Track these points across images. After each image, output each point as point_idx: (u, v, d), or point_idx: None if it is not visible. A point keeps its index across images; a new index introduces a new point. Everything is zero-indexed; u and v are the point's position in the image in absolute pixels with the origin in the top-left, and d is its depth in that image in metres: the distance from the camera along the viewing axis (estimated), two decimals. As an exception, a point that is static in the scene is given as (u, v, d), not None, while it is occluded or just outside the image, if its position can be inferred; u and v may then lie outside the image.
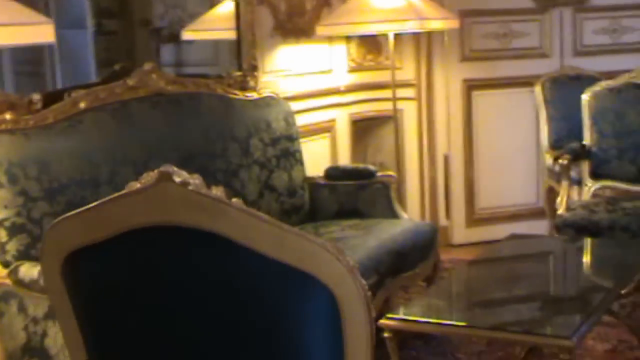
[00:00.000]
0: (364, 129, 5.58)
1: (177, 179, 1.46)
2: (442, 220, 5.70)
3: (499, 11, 5.63)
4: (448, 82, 5.62)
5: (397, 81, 5.19)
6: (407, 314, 3.01)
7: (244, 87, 4.34)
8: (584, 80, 5.32)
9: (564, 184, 4.47)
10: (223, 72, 4.39)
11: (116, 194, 1.52)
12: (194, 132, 3.80)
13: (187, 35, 4.54)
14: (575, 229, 4.21)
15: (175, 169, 1.48)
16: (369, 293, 1.48)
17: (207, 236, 1.48)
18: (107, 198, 1.53)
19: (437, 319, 3.04)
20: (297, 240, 1.48)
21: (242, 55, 4.46)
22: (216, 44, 4.86)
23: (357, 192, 4.37)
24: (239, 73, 4.39)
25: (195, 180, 1.47)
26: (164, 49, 4.70)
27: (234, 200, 1.48)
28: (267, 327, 1.50)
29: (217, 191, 1.48)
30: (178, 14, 4.60)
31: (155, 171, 1.48)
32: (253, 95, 4.34)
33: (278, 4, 4.88)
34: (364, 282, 1.48)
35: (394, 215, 4.35)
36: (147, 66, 3.75)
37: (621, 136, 4.62)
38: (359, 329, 1.49)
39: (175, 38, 4.57)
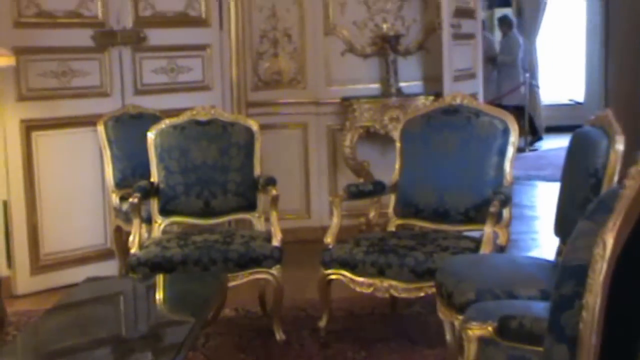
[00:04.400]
0: None
1: None
2: (3, 271, 5.30)
3: (57, 49, 5.46)
4: (4, 123, 5.28)
5: (-54, 122, 4.74)
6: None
7: None
8: (145, 119, 5.40)
9: (135, 222, 4.44)
10: None
11: None
12: None
13: None
14: (149, 266, 4.21)
15: None
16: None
17: None
18: None
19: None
20: None
21: None
22: None
23: None
24: None
25: None
26: None
27: None
28: None
29: None
30: None
31: None
32: None
33: None
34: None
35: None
36: None
37: (187, 172, 4.74)
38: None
39: None
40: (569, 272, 1.67)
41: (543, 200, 8.17)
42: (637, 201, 1.55)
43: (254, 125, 4.90)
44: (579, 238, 1.67)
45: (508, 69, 11.79)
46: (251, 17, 6.42)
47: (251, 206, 4.80)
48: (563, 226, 3.64)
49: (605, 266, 1.55)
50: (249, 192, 4.79)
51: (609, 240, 1.55)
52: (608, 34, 9.35)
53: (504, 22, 11.95)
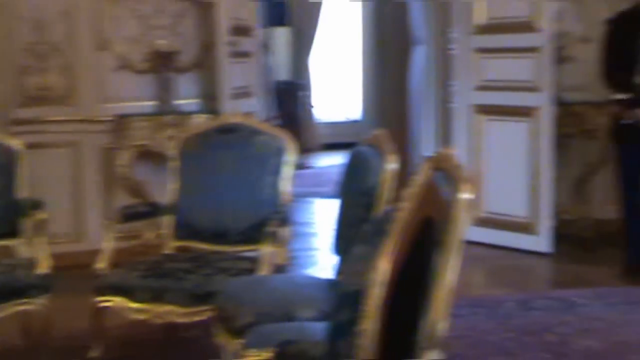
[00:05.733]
0: None
1: None
2: None
3: None
4: None
5: None
6: None
7: None
8: None
9: None
10: None
11: None
12: None
13: None
14: None
15: None
16: None
17: None
18: None
19: None
20: None
21: None
22: None
23: None
24: None
25: None
26: None
27: None
28: None
29: None
30: None
31: None
32: None
33: None
34: None
35: None
36: None
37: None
38: None
39: None
40: (345, 298, 1.62)
41: (321, 217, 8.30)
42: (410, 224, 1.52)
43: (16, 144, 4.56)
44: (355, 263, 1.63)
45: None
46: (13, 29, 6.00)
47: (14, 232, 4.45)
48: (340, 244, 3.66)
49: (381, 291, 1.51)
50: (11, 217, 4.44)
51: (384, 264, 1.51)
52: (382, 55, 9.72)
53: None
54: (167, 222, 4.54)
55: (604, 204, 6.52)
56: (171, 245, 4.49)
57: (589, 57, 6.12)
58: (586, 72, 6.31)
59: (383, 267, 1.50)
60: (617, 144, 5.66)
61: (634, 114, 5.40)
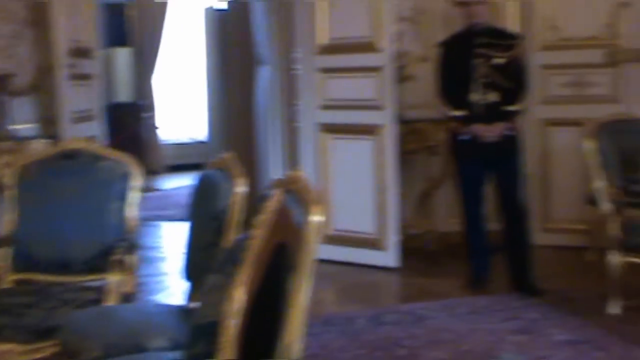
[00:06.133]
0: None
1: None
2: None
3: None
4: None
5: None
6: None
7: None
8: None
9: None
10: None
11: None
12: None
13: None
14: None
15: None
16: None
17: None
18: None
19: None
20: None
21: None
22: None
23: None
24: None
25: None
26: None
27: None
28: None
29: None
30: None
31: None
32: None
33: None
34: None
35: None
36: None
37: None
38: None
39: None
40: (200, 330, 1.56)
41: (168, 240, 8.14)
42: (264, 251, 1.49)
43: None
44: (209, 293, 1.58)
45: None
46: None
47: None
48: (191, 269, 3.59)
49: (236, 321, 1.47)
50: None
51: (238, 293, 1.47)
52: (227, 74, 9.67)
53: None
54: (3, 254, 4.29)
55: (447, 217, 6.74)
56: (9, 279, 4.25)
57: (428, 75, 6.32)
58: (426, 90, 6.51)
59: (238, 297, 1.46)
60: (456, 159, 5.87)
61: (469, 130, 5.61)
